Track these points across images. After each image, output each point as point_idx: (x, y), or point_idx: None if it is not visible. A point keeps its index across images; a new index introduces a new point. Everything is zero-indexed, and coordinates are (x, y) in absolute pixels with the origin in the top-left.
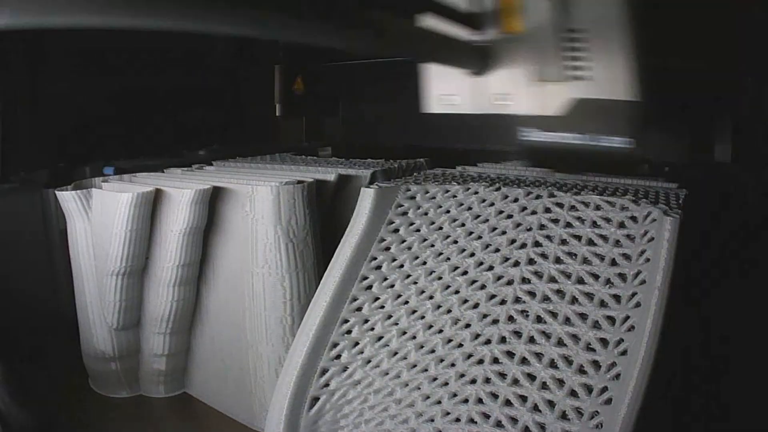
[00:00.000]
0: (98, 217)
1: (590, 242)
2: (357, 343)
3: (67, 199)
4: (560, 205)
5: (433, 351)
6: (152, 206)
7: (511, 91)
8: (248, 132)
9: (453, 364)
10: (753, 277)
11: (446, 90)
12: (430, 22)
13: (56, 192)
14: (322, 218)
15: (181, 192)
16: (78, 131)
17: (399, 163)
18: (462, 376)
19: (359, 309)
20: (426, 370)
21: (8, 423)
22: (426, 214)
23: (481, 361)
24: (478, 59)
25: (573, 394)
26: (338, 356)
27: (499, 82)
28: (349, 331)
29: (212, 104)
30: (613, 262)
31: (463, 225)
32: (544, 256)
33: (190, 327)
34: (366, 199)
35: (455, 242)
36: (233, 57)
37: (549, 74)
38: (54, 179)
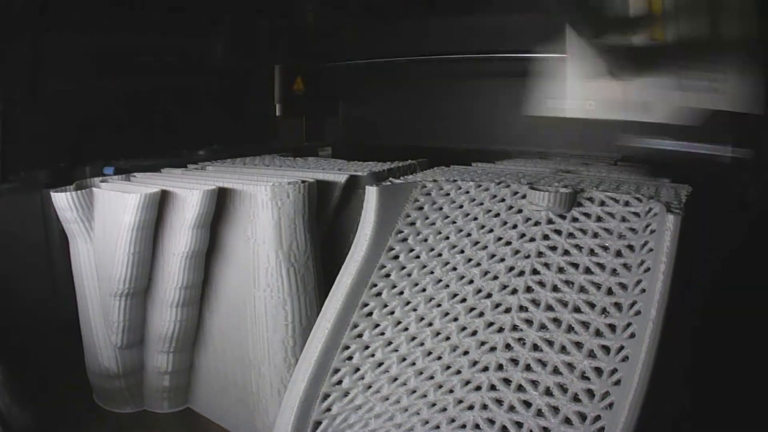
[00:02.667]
0: (101, 218)
1: (587, 270)
2: (358, 369)
3: (63, 202)
4: (558, 233)
5: (432, 377)
6: (157, 209)
7: None
8: (248, 132)
9: (451, 390)
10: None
11: None
12: None
13: (52, 194)
14: (325, 220)
15: (183, 216)
16: (78, 131)
17: (381, 166)
18: (460, 402)
19: (360, 335)
20: (425, 396)
21: (8, 423)
22: (426, 240)
23: (479, 388)
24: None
25: (567, 421)
26: (340, 382)
27: None
28: (350, 357)
29: (212, 104)
30: (610, 291)
31: (462, 252)
32: (541, 284)
33: (193, 345)
34: (371, 198)
35: (454, 269)
36: (233, 57)
37: None
38: (54, 179)
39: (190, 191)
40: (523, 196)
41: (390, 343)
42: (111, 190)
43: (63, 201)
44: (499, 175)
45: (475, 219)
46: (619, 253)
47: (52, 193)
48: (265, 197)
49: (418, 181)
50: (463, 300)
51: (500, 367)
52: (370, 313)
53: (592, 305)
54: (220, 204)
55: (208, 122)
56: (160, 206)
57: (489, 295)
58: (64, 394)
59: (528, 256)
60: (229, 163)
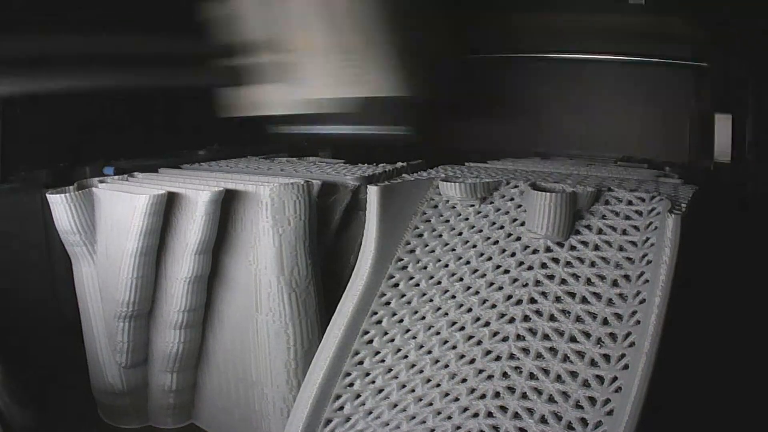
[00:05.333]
0: (104, 239)
1: (584, 300)
2: (359, 395)
3: (65, 221)
4: (556, 261)
5: (431, 404)
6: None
7: None
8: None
9: (450, 417)
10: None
11: None
12: None
13: (48, 196)
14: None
15: (185, 242)
16: (78, 131)
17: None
18: (458, 428)
19: (361, 362)
20: (424, 422)
21: (8, 423)
22: (425, 268)
23: (476, 415)
24: None
25: None
26: (342, 407)
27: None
28: (351, 384)
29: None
30: (605, 322)
31: (461, 280)
32: (538, 313)
33: (197, 364)
34: (372, 198)
35: (453, 297)
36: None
37: None
38: (54, 179)
39: (197, 192)
40: (522, 224)
41: (390, 370)
42: (112, 190)
43: (64, 218)
44: (501, 174)
45: (474, 247)
46: (615, 283)
47: (50, 198)
48: (267, 224)
49: (421, 179)
50: (462, 328)
51: (497, 394)
52: (371, 341)
53: (587, 335)
54: (222, 227)
55: (208, 122)
56: (165, 207)
57: (487, 324)
58: (64, 395)
59: (526, 285)
60: (225, 164)
